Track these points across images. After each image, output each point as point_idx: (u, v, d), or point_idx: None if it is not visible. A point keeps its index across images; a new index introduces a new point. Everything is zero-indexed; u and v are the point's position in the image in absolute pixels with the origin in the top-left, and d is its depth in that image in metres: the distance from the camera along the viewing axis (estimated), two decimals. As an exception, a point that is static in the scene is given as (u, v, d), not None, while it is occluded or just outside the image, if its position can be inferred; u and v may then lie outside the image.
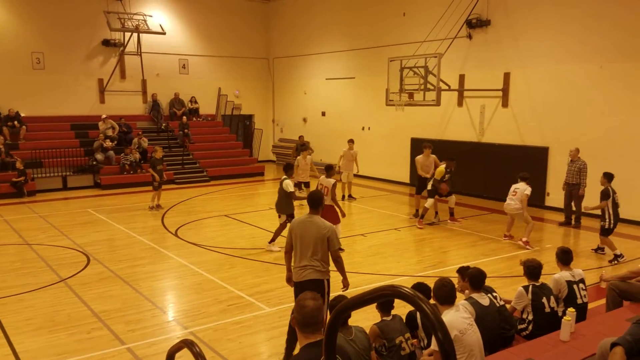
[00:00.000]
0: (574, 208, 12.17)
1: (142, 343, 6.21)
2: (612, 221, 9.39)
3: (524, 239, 10.33)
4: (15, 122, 17.35)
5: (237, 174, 19.54)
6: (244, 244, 10.57)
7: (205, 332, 6.51)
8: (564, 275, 5.59)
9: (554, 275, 5.64)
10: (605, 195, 9.42)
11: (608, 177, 9.65)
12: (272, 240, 9.99)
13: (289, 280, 5.75)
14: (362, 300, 1.82)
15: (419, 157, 12.71)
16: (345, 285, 5.71)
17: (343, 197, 14.94)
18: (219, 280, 8.42)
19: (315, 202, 5.60)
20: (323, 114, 21.32)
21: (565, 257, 5.73)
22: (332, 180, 9.63)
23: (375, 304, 4.82)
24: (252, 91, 23.44)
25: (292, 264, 5.61)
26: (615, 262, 9.34)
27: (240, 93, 23.01)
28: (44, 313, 7.08)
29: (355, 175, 15.72)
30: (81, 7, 18.90)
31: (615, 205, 9.44)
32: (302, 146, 16.35)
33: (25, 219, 12.84)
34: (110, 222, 12.43)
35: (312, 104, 21.82)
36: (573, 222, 12.28)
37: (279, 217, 9.87)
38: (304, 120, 22.39)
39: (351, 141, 14.95)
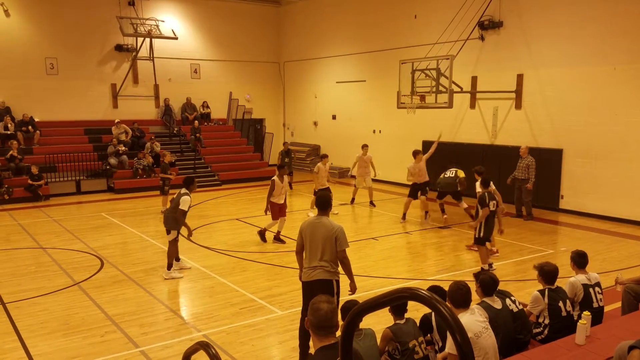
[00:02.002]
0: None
1: (156, 346, 6.23)
2: (481, 230, 8.69)
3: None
4: (30, 127, 17.55)
5: (248, 177, 19.59)
6: (255, 248, 10.58)
7: (218, 335, 6.52)
8: (580, 278, 5.52)
9: (569, 279, 5.57)
10: (482, 202, 8.71)
11: (484, 183, 8.99)
12: (170, 266, 8.76)
13: (301, 278, 5.75)
14: (378, 303, 1.81)
15: (410, 165, 12.64)
16: (353, 289, 5.66)
17: (353, 200, 14.85)
18: (231, 283, 8.43)
19: (324, 204, 5.63)
20: (334, 117, 21.32)
21: (581, 261, 5.67)
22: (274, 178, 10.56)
23: (388, 307, 4.79)
24: (263, 95, 23.51)
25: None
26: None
27: (251, 97, 23.09)
28: (58, 316, 7.13)
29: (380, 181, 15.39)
30: (94, 13, 19.10)
31: (491, 213, 8.66)
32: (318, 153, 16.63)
33: (39, 223, 12.97)
34: (124, 226, 12.51)
35: (322, 108, 21.84)
36: (525, 213, 12.91)
37: (167, 232, 8.76)
38: (315, 123, 22.41)
39: (365, 146, 14.69)
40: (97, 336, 6.49)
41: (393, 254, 10.11)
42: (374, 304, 1.83)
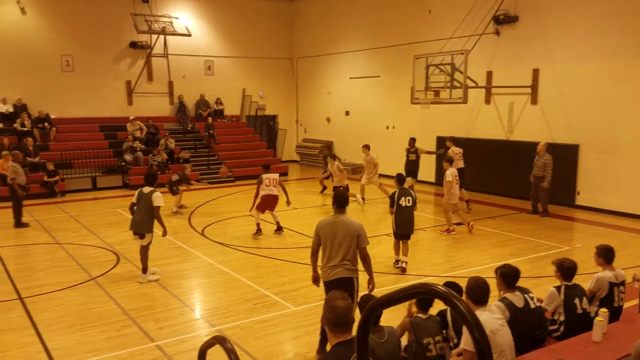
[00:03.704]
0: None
1: (171, 340, 6.28)
2: (394, 226, 8.72)
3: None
4: (46, 124, 17.75)
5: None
6: (268, 244, 10.61)
7: (232, 330, 6.55)
8: (608, 275, 5.40)
9: (596, 274, 5.46)
10: (391, 200, 8.73)
11: (398, 179, 9.05)
12: (145, 270, 8.37)
13: (315, 280, 5.76)
14: (394, 299, 1.79)
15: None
16: (372, 285, 5.67)
17: (363, 199, 14.70)
18: (244, 279, 8.47)
19: (342, 202, 5.60)
20: (347, 113, 21.28)
21: (608, 255, 5.52)
22: (275, 175, 11.41)
23: (415, 300, 4.73)
24: (276, 92, 23.53)
25: (320, 264, 5.60)
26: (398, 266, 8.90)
27: (264, 94, 23.12)
28: (74, 311, 7.21)
29: (380, 175, 15.33)
30: (109, 10, 19.24)
31: (402, 210, 8.60)
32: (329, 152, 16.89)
33: (55, 218, 13.12)
34: (138, 222, 12.59)
35: (335, 104, 21.80)
36: (540, 210, 12.78)
37: (141, 237, 8.24)
38: (328, 120, 22.39)
39: (365, 147, 14.65)
40: (113, 331, 6.56)
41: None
42: (390, 299, 1.82)
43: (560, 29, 13.58)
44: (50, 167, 16.00)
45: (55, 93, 18.52)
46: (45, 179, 15.84)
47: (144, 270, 8.37)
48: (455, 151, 13.17)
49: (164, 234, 8.53)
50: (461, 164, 13.11)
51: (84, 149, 17.34)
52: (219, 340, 3.20)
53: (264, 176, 11.35)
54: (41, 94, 18.21)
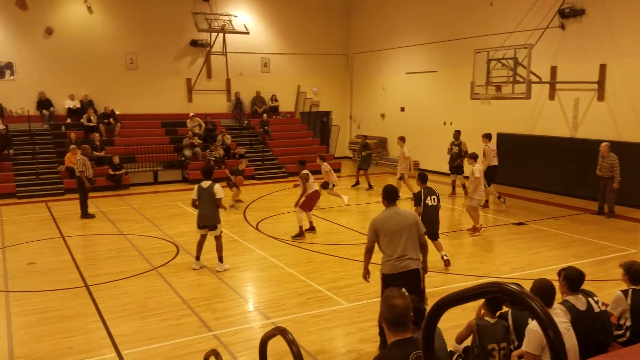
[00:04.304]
0: None
1: (227, 331, 6.41)
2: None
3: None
4: (111, 120, 18.53)
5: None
6: (321, 239, 10.63)
7: (285, 323, 6.59)
8: None
9: None
10: (417, 199, 8.57)
11: (421, 178, 8.84)
12: (221, 258, 8.72)
13: (365, 277, 5.88)
14: (463, 297, 1.74)
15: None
16: (426, 269, 5.80)
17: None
18: (297, 273, 8.53)
19: (391, 196, 5.64)
20: (402, 109, 21.01)
21: None
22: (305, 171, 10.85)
23: (484, 301, 4.60)
24: (330, 88, 23.55)
25: (383, 259, 5.55)
26: None
27: (318, 90, 23.19)
28: (137, 299, 7.49)
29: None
30: (171, 9, 19.82)
31: (429, 209, 8.47)
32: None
33: (119, 210, 13.68)
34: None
35: (390, 100, 21.57)
36: (607, 210, 12.27)
37: (213, 229, 8.57)
38: (382, 116, 22.19)
39: (400, 139, 14.70)
40: (173, 319, 6.76)
41: (462, 251, 9.85)
42: (458, 298, 1.76)
43: (629, 23, 12.87)
44: (116, 160, 16.68)
45: (119, 90, 19.27)
46: (110, 172, 16.52)
47: (220, 259, 8.67)
48: (491, 148, 13.26)
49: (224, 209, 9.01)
50: (495, 162, 13.16)
51: (146, 144, 17.97)
52: (280, 331, 3.24)
53: (308, 172, 10.99)
54: (106, 91, 18.99)
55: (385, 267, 5.48)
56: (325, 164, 13.62)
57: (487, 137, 13.40)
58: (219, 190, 8.42)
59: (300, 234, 10.62)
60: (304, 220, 10.83)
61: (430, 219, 8.37)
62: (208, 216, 8.50)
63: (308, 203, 10.81)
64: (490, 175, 12.86)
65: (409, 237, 5.39)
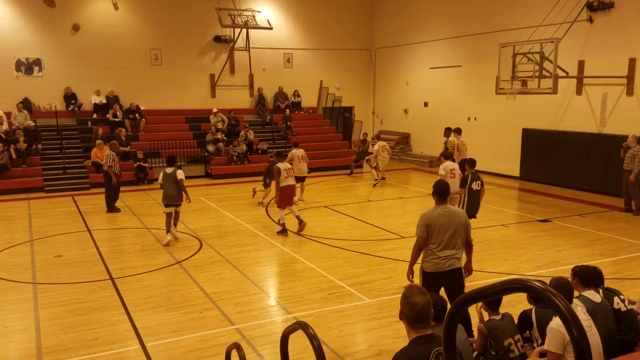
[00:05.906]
0: None
1: (250, 325, 6.47)
2: (463, 206, 9.18)
3: None
4: (136, 115, 18.78)
5: (337, 165, 19.68)
6: (342, 235, 10.62)
7: (307, 318, 6.61)
8: None
9: None
10: (463, 182, 9.34)
11: (470, 163, 9.53)
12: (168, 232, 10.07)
13: (409, 276, 5.63)
14: (485, 293, 1.72)
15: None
16: (470, 271, 5.78)
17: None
18: (319, 269, 8.54)
19: (443, 192, 5.45)
20: (425, 104, 20.84)
21: None
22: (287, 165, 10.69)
23: (482, 304, 4.61)
24: (353, 83, 23.47)
25: (427, 255, 5.41)
26: None
27: (341, 85, 23.13)
28: (161, 292, 7.60)
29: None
30: (195, 5, 19.99)
31: (473, 193, 9.20)
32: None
33: (144, 205, 13.87)
34: (220, 210, 13.07)
35: (414, 95, 21.40)
36: (634, 207, 11.91)
37: (178, 206, 10.20)
38: (405, 111, 22.04)
39: (457, 131, 14.12)
40: (196, 312, 6.85)
41: (486, 247, 9.72)
42: (480, 294, 1.74)
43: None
44: (140, 155, 16.91)
45: (144, 85, 19.53)
46: (141, 164, 16.70)
47: (175, 225, 10.20)
48: (463, 142, 13.53)
49: (189, 200, 10.20)
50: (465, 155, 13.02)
51: (170, 140, 18.17)
52: (301, 325, 3.25)
53: (281, 165, 10.46)
54: (132, 86, 19.26)
55: (429, 265, 5.36)
56: (379, 142, 15.67)
57: (457, 131, 13.81)
58: (181, 173, 9.92)
59: (283, 231, 10.54)
60: (295, 216, 10.65)
61: (473, 201, 9.29)
62: (173, 196, 9.97)
63: (283, 199, 10.49)
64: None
65: (458, 236, 5.33)
